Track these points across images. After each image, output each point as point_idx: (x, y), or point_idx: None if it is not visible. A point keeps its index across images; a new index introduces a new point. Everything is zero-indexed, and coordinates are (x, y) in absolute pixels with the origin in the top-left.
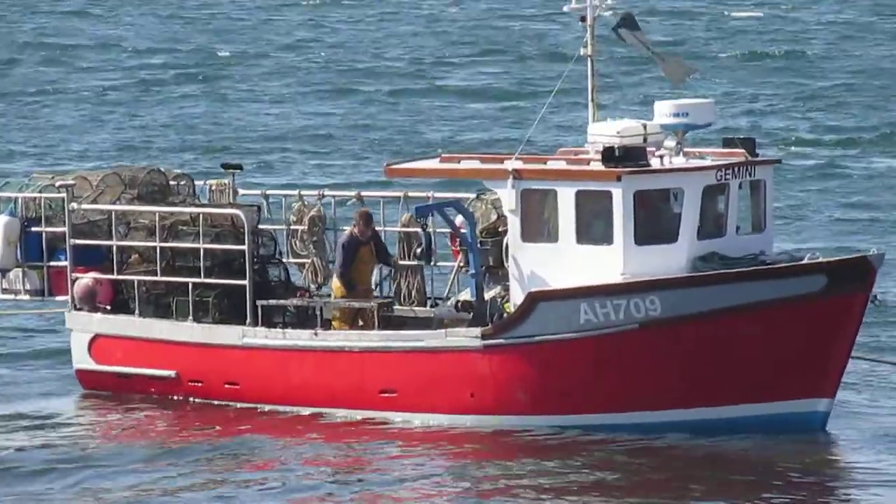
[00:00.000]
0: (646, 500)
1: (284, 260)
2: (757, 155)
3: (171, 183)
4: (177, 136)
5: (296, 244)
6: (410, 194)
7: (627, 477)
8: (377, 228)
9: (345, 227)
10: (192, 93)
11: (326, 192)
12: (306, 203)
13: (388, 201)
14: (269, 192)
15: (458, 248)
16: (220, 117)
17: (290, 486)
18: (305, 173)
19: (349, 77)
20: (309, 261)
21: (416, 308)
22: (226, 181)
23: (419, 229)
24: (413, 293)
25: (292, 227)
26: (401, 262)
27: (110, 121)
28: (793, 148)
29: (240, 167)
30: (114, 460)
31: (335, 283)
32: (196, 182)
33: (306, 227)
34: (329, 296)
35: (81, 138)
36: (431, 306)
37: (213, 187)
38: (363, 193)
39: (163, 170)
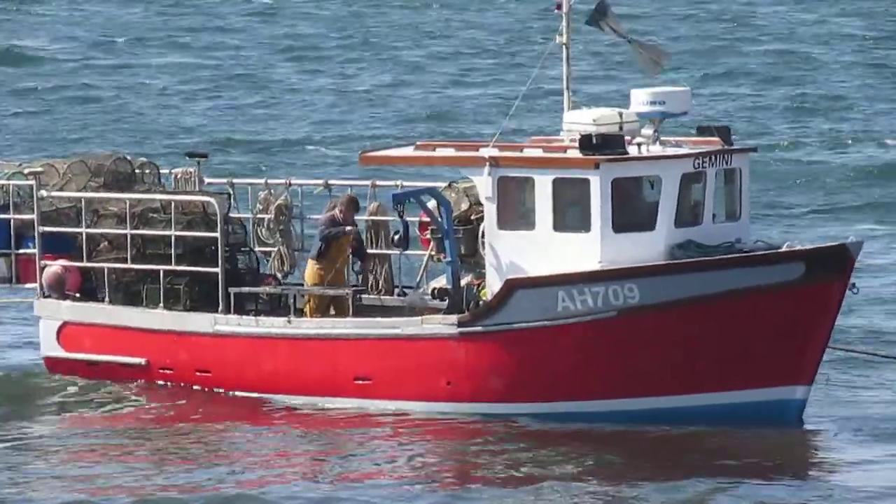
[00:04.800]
0: (619, 491)
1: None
2: (732, 143)
3: (137, 171)
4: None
5: (262, 232)
6: (379, 183)
7: (602, 467)
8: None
9: (313, 216)
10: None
11: (293, 181)
12: (273, 192)
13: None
14: (235, 180)
15: (429, 238)
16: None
17: (265, 475)
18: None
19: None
20: (275, 249)
21: (384, 297)
22: (191, 169)
23: (396, 217)
24: (381, 282)
25: (259, 215)
26: (369, 251)
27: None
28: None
29: (205, 155)
30: (81, 453)
31: (309, 269)
32: (161, 170)
33: (273, 216)
34: (301, 284)
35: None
36: (399, 295)
37: (179, 175)
38: (331, 181)
39: (128, 158)
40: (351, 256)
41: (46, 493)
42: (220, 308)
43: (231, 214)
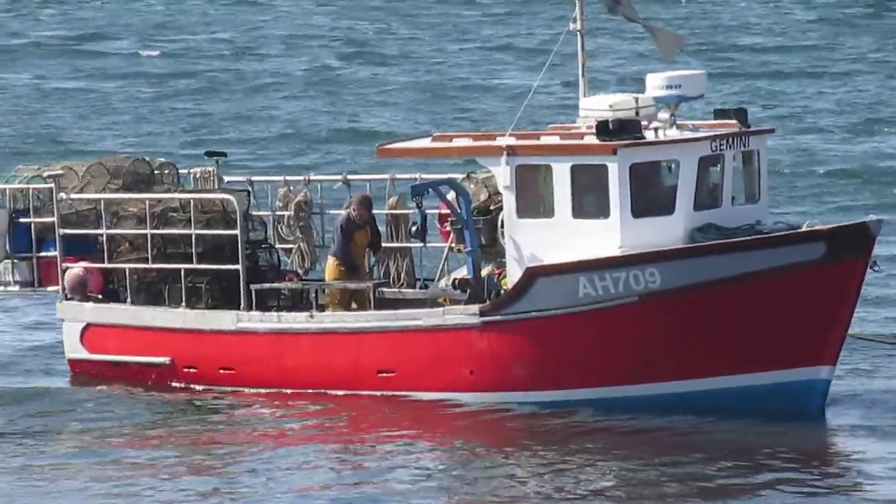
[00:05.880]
0: (640, 481)
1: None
2: (749, 125)
3: (156, 172)
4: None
5: (282, 230)
6: (398, 177)
7: (623, 455)
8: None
9: (332, 212)
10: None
11: (312, 177)
12: (292, 188)
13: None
14: (254, 178)
15: (449, 230)
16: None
17: (289, 468)
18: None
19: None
20: (296, 246)
21: (405, 290)
22: (210, 168)
23: (415, 208)
24: (402, 275)
25: (278, 212)
26: (389, 245)
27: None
28: None
29: (224, 154)
30: (104, 448)
31: (329, 265)
32: (180, 170)
33: (293, 213)
34: (321, 279)
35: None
36: (420, 288)
37: (198, 175)
38: (349, 177)
39: (147, 159)
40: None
41: None
42: (241, 305)
43: (251, 212)
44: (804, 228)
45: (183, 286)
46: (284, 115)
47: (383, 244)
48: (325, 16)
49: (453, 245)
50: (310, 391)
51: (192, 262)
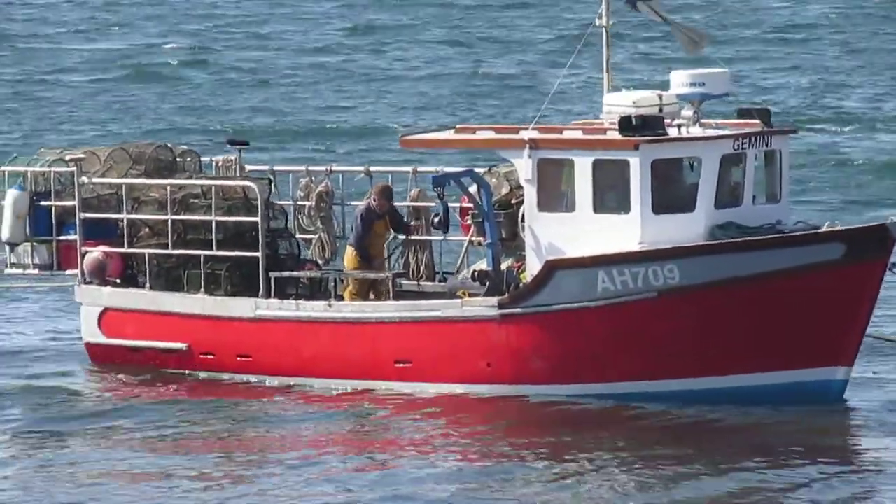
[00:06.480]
0: (655, 473)
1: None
2: (772, 125)
3: (178, 159)
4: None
5: (303, 220)
6: (420, 169)
7: (638, 448)
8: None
9: (353, 203)
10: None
11: (334, 168)
12: (314, 179)
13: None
14: (276, 167)
15: (469, 223)
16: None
17: (303, 460)
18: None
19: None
20: (316, 236)
21: (424, 283)
22: (232, 157)
23: (437, 199)
24: (422, 268)
25: (299, 202)
26: (410, 238)
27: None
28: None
29: (246, 143)
30: (120, 436)
31: (348, 254)
32: (203, 158)
33: (314, 203)
34: (340, 269)
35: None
36: (440, 281)
37: (220, 163)
38: (372, 168)
39: (170, 145)
40: (394, 237)
41: None
42: (260, 293)
43: (272, 201)
44: (824, 229)
45: (202, 272)
46: (300, 108)
47: (403, 237)
48: (341, 6)
49: (473, 238)
50: (326, 380)
51: (211, 248)
